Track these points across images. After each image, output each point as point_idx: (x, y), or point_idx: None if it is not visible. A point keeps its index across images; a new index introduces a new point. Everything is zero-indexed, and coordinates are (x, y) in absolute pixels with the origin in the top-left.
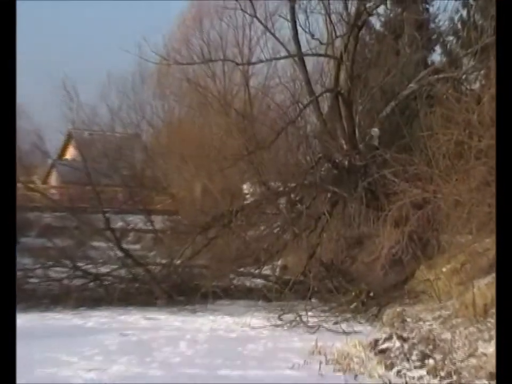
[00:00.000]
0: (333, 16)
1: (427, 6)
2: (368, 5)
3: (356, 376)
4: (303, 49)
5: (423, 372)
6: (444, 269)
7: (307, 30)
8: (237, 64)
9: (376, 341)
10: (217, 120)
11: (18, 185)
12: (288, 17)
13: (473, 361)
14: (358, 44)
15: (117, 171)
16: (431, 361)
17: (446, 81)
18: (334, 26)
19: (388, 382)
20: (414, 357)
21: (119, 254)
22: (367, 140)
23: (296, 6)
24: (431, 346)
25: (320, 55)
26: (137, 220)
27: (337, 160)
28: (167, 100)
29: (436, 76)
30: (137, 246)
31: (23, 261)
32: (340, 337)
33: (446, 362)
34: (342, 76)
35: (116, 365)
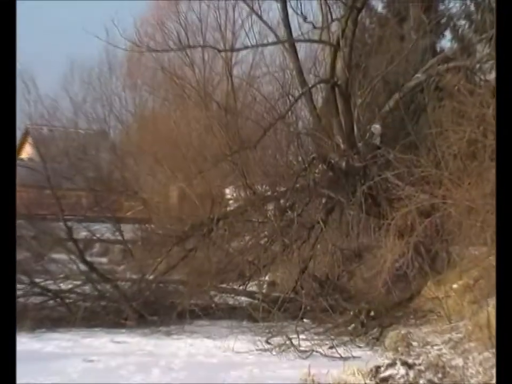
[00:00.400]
0: None
1: None
2: None
3: None
4: (294, 34)
5: None
6: (455, 286)
7: (299, 12)
8: (219, 51)
9: (378, 368)
10: (196, 115)
11: None
12: None
13: None
14: (357, 28)
15: (80, 173)
16: None
17: (458, 71)
18: (329, 8)
19: None
20: None
21: (83, 268)
22: (367, 137)
23: None
24: (440, 374)
25: (313, 41)
26: (103, 229)
27: (333, 161)
28: (139, 92)
29: (445, 65)
30: (103, 259)
31: None
32: (336, 364)
33: None
34: (339, 64)
35: None
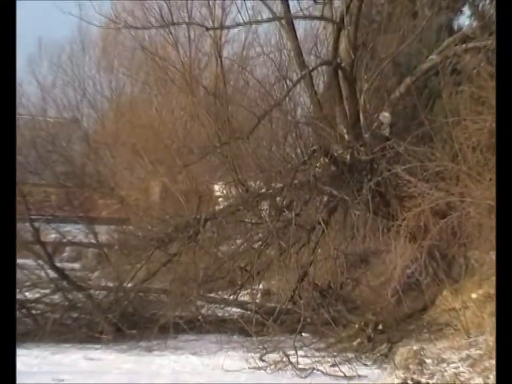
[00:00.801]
0: None
1: None
2: None
3: None
4: (293, 10)
5: None
6: (474, 295)
7: None
8: (207, 28)
9: None
10: (181, 101)
11: None
12: None
13: None
14: (363, 3)
15: (49, 166)
16: None
17: (477, 52)
18: None
19: None
20: None
21: (52, 274)
22: (374, 127)
23: None
24: None
25: (314, 17)
26: (75, 231)
27: (336, 154)
28: (116, 75)
29: (463, 45)
30: (75, 265)
31: None
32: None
33: None
34: (343, 44)
35: None
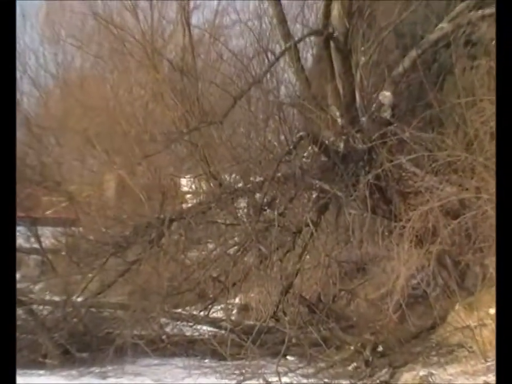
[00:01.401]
0: None
1: None
2: None
3: None
4: None
5: None
6: (493, 311)
7: None
8: None
9: None
10: (141, 78)
11: None
12: None
13: None
14: None
15: None
16: None
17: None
18: None
19: None
20: None
21: None
22: (373, 109)
23: None
24: None
25: None
26: None
27: (327, 142)
28: (62, 47)
29: (479, 11)
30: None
31: None
32: None
33: None
34: (335, 10)
35: None
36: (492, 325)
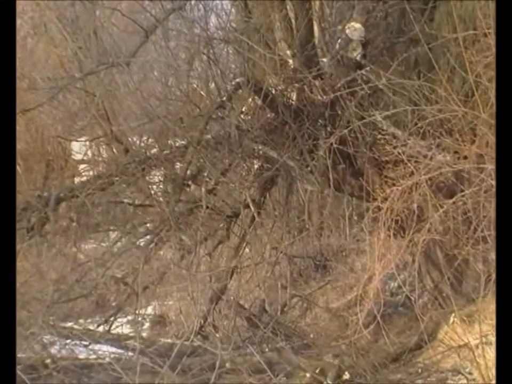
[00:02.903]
0: None
1: None
2: None
3: None
4: None
5: None
6: None
7: None
8: None
9: None
10: (17, 3)
11: None
12: None
13: None
14: None
15: None
16: None
17: None
18: None
19: None
20: None
21: None
22: (338, 47)
23: None
24: None
25: None
26: None
27: (274, 92)
28: None
29: None
30: None
31: None
32: None
33: None
34: None
35: None
36: None
